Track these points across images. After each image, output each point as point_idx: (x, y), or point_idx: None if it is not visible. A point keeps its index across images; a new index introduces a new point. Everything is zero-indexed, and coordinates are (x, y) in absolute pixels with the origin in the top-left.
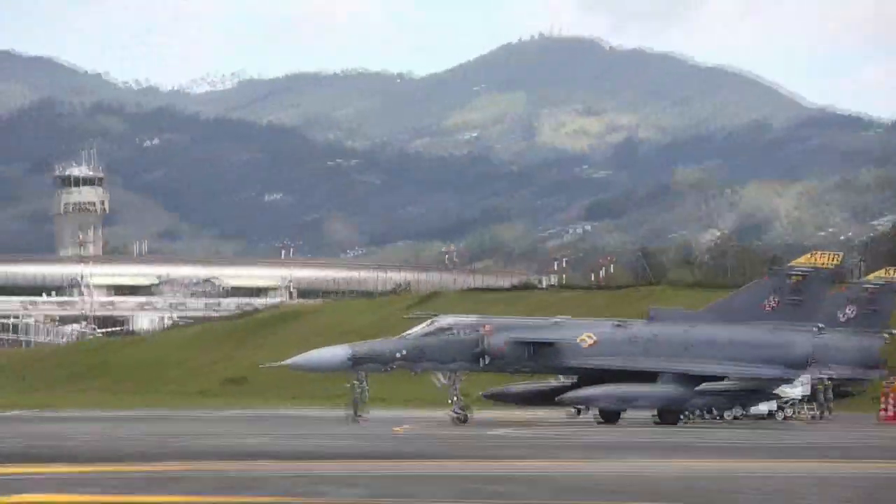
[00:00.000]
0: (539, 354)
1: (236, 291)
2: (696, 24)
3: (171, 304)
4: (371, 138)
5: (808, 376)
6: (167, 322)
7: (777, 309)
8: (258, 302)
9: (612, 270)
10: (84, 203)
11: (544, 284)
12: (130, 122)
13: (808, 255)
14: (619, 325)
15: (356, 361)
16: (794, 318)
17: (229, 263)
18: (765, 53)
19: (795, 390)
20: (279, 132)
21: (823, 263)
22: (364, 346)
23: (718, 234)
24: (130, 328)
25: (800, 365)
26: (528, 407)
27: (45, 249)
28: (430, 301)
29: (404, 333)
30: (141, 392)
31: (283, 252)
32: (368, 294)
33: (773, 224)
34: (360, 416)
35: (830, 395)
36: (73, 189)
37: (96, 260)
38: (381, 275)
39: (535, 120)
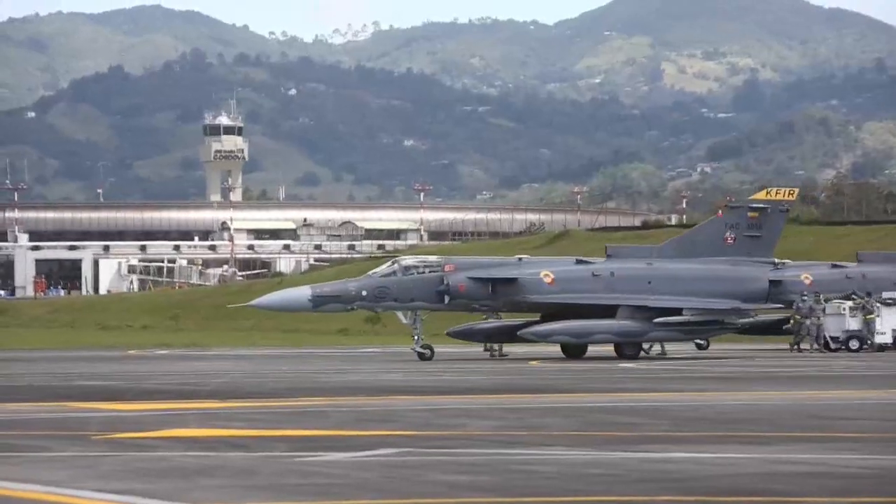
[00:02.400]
0: (500, 292)
1: (372, 234)
2: None
3: (310, 247)
4: (503, 84)
5: None
6: (306, 265)
7: (735, 244)
8: (393, 244)
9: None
10: (228, 151)
11: (674, 222)
12: (273, 71)
13: (766, 192)
14: (580, 262)
15: (317, 301)
16: (752, 253)
17: (366, 207)
18: None
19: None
20: (415, 79)
21: (780, 199)
22: (326, 287)
23: (834, 173)
24: (273, 271)
25: (758, 299)
26: (491, 344)
27: (195, 195)
28: (560, 240)
29: (367, 273)
30: (284, 331)
31: (421, 195)
32: (499, 235)
33: (892, 162)
34: (498, 351)
35: None
36: (219, 137)
37: (239, 205)
38: (511, 216)
39: (659, 63)
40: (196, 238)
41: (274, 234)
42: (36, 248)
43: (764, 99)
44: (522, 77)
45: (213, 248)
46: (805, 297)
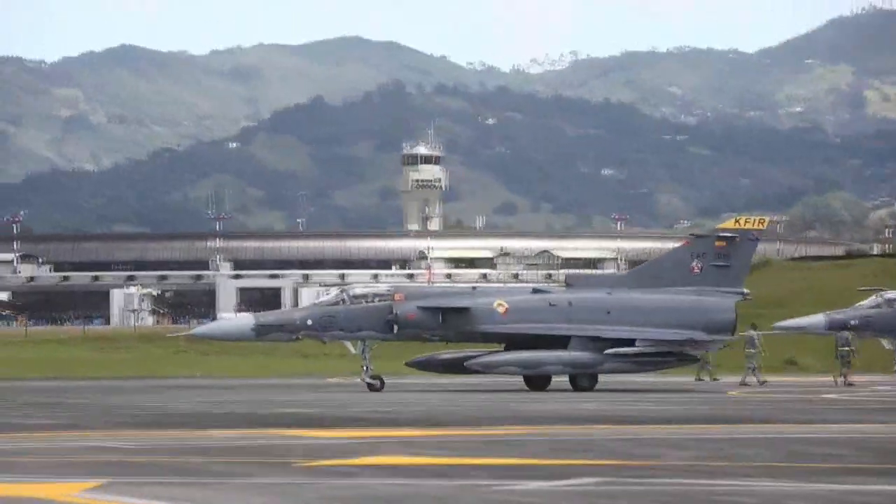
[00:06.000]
0: (451, 321)
1: (570, 263)
2: None
3: (508, 277)
4: (702, 112)
5: None
6: None
7: (702, 273)
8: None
9: None
10: (426, 180)
11: (876, 252)
12: (472, 101)
13: (734, 220)
14: (536, 292)
15: (261, 330)
16: (720, 282)
17: (564, 236)
18: None
19: None
20: (613, 108)
21: (750, 228)
22: (270, 316)
23: None
24: None
25: (723, 330)
26: (453, 375)
27: (393, 224)
28: (760, 270)
29: (314, 302)
30: None
31: (619, 224)
32: None
33: None
34: (715, 378)
35: None
36: (418, 167)
37: (437, 234)
38: None
39: (862, 92)
40: (394, 266)
41: (471, 262)
42: (237, 276)
43: None
44: (721, 106)
45: (410, 276)
46: None
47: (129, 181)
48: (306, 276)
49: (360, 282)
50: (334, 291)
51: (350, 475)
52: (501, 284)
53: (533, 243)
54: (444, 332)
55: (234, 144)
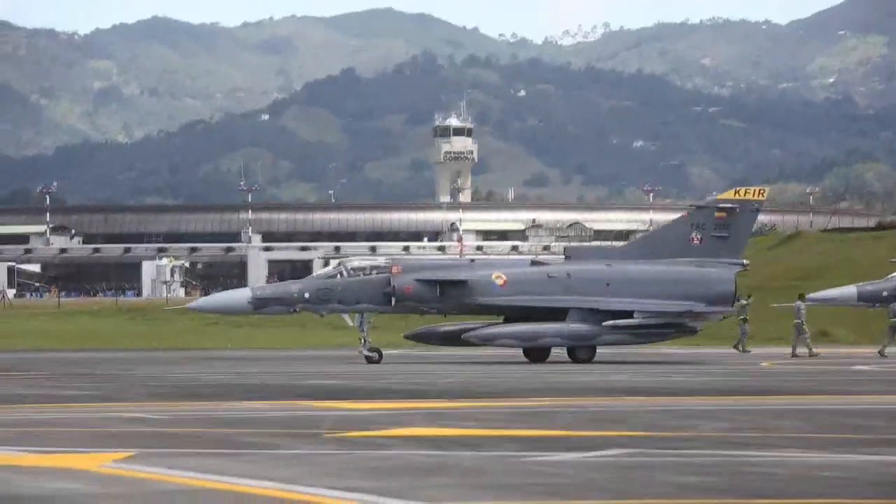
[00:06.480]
0: (449, 294)
1: (601, 235)
2: None
3: (539, 249)
4: (735, 84)
5: None
6: None
7: (702, 245)
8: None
9: None
10: (457, 152)
11: None
12: (503, 73)
13: (734, 191)
14: (535, 264)
15: (258, 304)
16: (720, 253)
17: (595, 208)
18: None
19: None
20: (645, 80)
21: (750, 199)
22: (267, 289)
23: None
24: None
25: (723, 301)
26: (452, 347)
27: (425, 197)
28: (792, 241)
29: (311, 275)
30: None
31: (650, 196)
32: None
33: None
34: (746, 350)
35: None
36: (449, 139)
37: (468, 206)
38: None
39: (895, 63)
40: (425, 239)
41: (502, 235)
42: (268, 248)
43: None
44: (754, 77)
45: (442, 248)
46: None
47: (161, 153)
48: (337, 249)
49: (391, 253)
50: (332, 264)
51: (380, 446)
52: (499, 256)
53: (564, 215)
54: (441, 304)
55: (266, 117)
